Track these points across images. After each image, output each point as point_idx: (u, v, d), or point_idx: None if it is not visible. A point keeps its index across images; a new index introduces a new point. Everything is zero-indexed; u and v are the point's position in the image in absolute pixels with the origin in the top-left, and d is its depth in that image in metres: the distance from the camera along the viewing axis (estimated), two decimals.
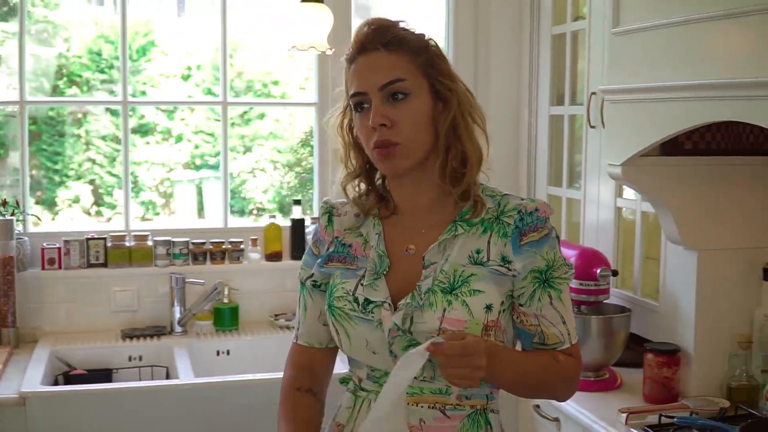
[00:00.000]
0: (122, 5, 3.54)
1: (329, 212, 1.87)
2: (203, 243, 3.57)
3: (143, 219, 5.78)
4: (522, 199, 1.75)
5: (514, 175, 3.82)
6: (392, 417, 1.59)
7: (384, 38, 1.69)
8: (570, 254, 2.89)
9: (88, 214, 5.52)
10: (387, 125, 1.67)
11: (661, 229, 2.76)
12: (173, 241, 3.54)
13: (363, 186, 1.82)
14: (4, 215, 3.34)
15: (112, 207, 5.55)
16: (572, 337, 1.73)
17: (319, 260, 1.84)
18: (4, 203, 3.38)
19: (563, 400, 1.85)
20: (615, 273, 2.90)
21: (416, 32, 1.73)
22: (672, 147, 2.57)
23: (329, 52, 3.27)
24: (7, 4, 3.71)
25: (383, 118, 1.67)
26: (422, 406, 1.69)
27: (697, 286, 2.63)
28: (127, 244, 3.52)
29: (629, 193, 3.01)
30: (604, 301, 2.90)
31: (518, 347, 1.79)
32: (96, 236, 3.49)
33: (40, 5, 4.39)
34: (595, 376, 2.84)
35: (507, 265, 1.69)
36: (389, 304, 1.69)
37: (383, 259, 1.75)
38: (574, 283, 2.83)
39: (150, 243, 3.54)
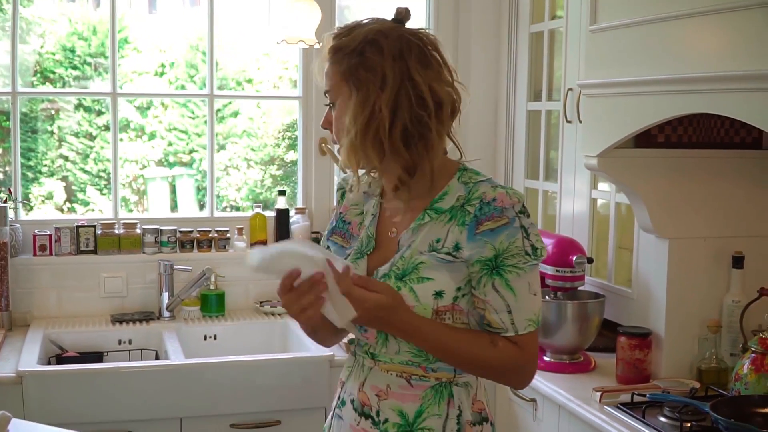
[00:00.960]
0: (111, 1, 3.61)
1: (343, 188, 2.01)
2: (191, 231, 3.66)
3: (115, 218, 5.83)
4: (493, 187, 1.79)
5: (492, 168, 3.93)
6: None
7: (329, 50, 1.81)
8: (547, 242, 2.99)
9: (61, 210, 5.55)
10: (330, 129, 1.86)
11: (634, 219, 2.89)
12: (161, 230, 3.63)
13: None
14: None
15: (85, 204, 5.59)
16: (518, 328, 1.76)
17: (326, 232, 2.01)
18: None
19: (515, 387, 2.00)
20: (590, 260, 3.03)
21: (363, 34, 1.78)
22: (645, 140, 2.69)
23: (317, 46, 3.37)
24: None
25: (326, 123, 1.86)
26: (391, 374, 1.82)
27: (668, 273, 2.75)
28: (116, 231, 3.61)
29: (604, 185, 3.13)
30: (580, 288, 3.02)
31: None
32: (86, 224, 3.58)
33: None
34: (570, 359, 2.97)
35: (455, 253, 1.76)
36: None
37: (370, 241, 1.88)
38: (550, 270, 2.95)
39: (139, 231, 3.62)
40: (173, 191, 5.94)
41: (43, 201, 5.58)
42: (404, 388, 1.82)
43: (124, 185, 5.71)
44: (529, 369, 1.84)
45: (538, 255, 1.77)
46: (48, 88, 5.29)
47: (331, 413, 1.98)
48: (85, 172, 5.58)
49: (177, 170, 5.90)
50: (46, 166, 5.35)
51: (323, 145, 3.78)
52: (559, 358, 2.98)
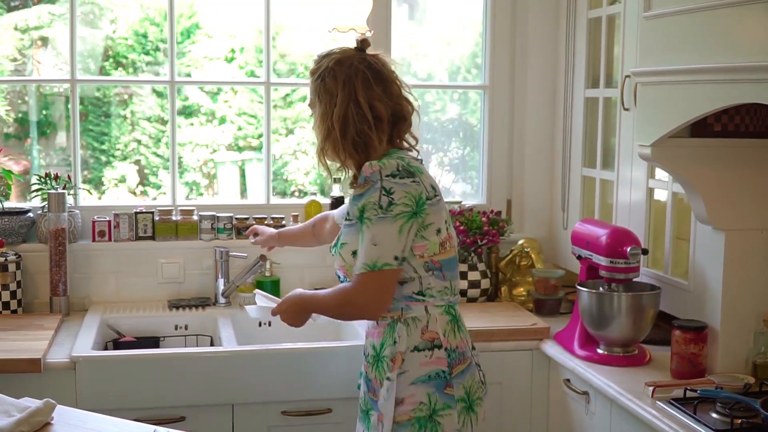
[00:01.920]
0: None
1: None
2: (246, 218, 3.69)
3: (187, 199, 5.90)
4: (368, 163, 2.34)
5: (550, 156, 3.89)
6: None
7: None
8: (601, 233, 2.97)
9: (134, 193, 5.63)
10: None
11: (691, 209, 2.83)
12: (218, 216, 3.67)
13: None
14: (56, 189, 3.49)
15: (157, 187, 5.67)
16: (357, 268, 2.33)
17: None
18: (56, 177, 3.52)
19: (344, 318, 2.86)
20: (645, 251, 2.97)
21: (323, 64, 2.44)
22: (701, 129, 2.64)
23: (369, 34, 3.35)
24: None
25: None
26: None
27: (724, 266, 2.69)
28: (173, 218, 3.65)
29: (661, 174, 3.07)
30: (635, 279, 2.97)
31: None
32: (144, 210, 3.63)
33: None
34: (624, 352, 2.92)
35: (348, 217, 2.39)
36: None
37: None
38: (603, 261, 2.91)
39: (195, 217, 3.66)
40: (243, 175, 5.99)
41: (116, 184, 5.68)
42: (375, 327, 2.45)
43: (194, 169, 5.78)
44: (360, 302, 2.35)
45: (388, 210, 2.27)
46: (120, 73, 5.37)
47: None
48: (157, 155, 5.66)
49: (246, 154, 5.95)
50: (119, 150, 5.43)
51: None
52: (612, 350, 2.93)
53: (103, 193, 5.52)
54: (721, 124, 2.64)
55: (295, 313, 2.56)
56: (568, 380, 3.03)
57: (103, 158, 5.50)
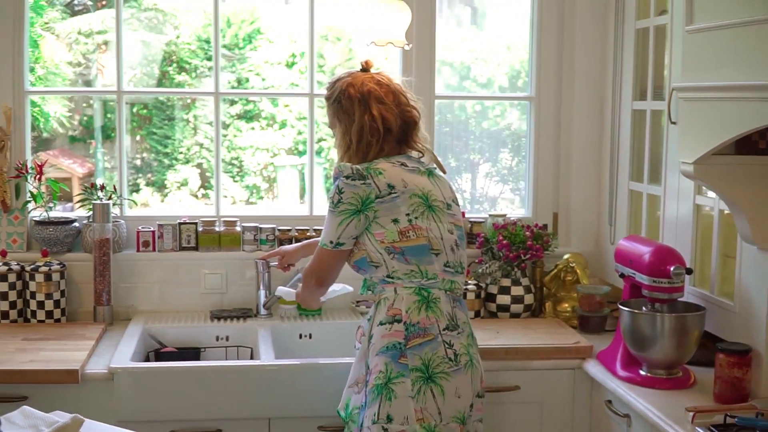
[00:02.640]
0: (215, 4, 3.66)
1: None
2: (289, 230, 3.68)
3: (248, 203, 5.92)
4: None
5: (597, 169, 3.81)
6: None
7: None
8: (645, 251, 2.89)
9: (196, 197, 5.68)
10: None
11: None
12: (260, 228, 3.67)
13: None
14: (101, 199, 3.52)
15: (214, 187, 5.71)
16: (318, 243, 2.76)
17: None
18: (102, 188, 3.56)
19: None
20: (689, 271, 2.88)
21: (338, 87, 2.76)
22: (746, 146, 2.55)
23: (407, 47, 3.32)
24: None
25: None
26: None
27: None
28: (216, 229, 3.66)
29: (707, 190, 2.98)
30: (679, 299, 2.89)
31: None
32: (188, 221, 3.65)
33: None
34: (667, 374, 2.85)
35: None
36: None
37: None
38: (646, 280, 2.84)
39: (238, 229, 3.67)
40: (302, 179, 6.01)
41: (178, 187, 5.74)
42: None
43: (255, 173, 5.82)
44: (305, 280, 2.89)
45: (335, 206, 2.63)
46: (183, 77, 5.42)
47: None
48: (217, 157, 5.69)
49: (306, 159, 5.96)
50: (181, 153, 5.49)
51: None
52: (655, 372, 2.86)
53: (166, 195, 5.58)
54: (766, 141, 2.55)
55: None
56: (610, 402, 2.96)
57: (166, 161, 5.56)
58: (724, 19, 2.33)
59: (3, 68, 3.54)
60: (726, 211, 2.89)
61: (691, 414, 2.48)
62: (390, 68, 3.51)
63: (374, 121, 2.68)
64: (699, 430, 2.41)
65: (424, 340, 2.57)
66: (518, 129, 4.19)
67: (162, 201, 5.49)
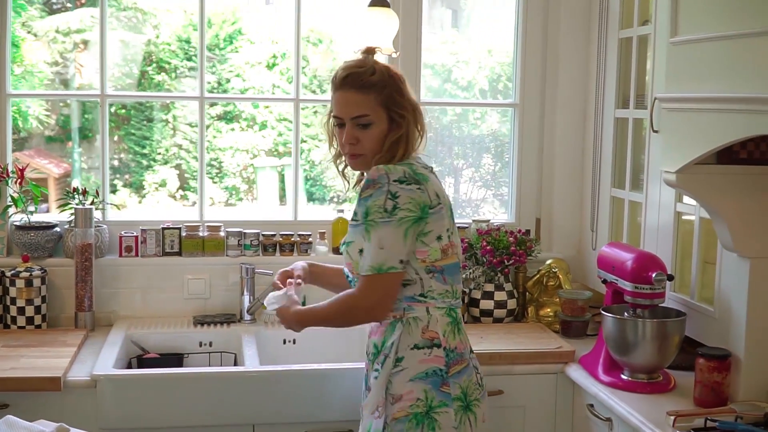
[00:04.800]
0: (200, 4, 3.66)
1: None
2: (273, 235, 3.69)
3: (227, 204, 5.91)
4: (375, 168, 2.43)
5: (580, 176, 3.85)
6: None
7: (356, 83, 2.45)
8: (627, 257, 2.92)
9: (174, 198, 5.66)
10: (354, 143, 2.48)
11: None
12: (244, 233, 3.67)
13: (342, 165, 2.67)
14: (83, 204, 3.51)
15: (196, 191, 5.70)
16: (363, 268, 2.42)
17: None
18: (84, 192, 3.54)
19: (356, 322, 2.58)
20: (670, 278, 2.92)
21: (382, 71, 2.47)
22: (727, 156, 2.59)
23: (395, 55, 3.34)
24: None
25: (352, 139, 2.48)
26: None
27: (749, 293, 2.64)
28: (200, 234, 3.66)
29: (688, 198, 3.02)
30: (660, 305, 2.92)
31: None
32: (171, 226, 3.64)
33: None
34: (648, 378, 2.88)
35: (355, 217, 2.45)
36: None
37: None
38: (629, 286, 2.87)
39: (222, 234, 3.67)
40: (282, 180, 6.01)
41: (156, 188, 5.72)
42: (377, 326, 2.52)
43: (234, 174, 5.80)
44: (366, 304, 2.44)
45: (393, 214, 2.35)
46: (162, 78, 5.39)
47: None
48: (198, 160, 5.68)
49: (286, 160, 5.96)
50: (160, 154, 5.47)
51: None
52: (636, 377, 2.89)
53: (144, 196, 5.55)
54: (747, 151, 2.60)
55: (294, 324, 2.66)
56: (592, 405, 2.99)
57: (145, 162, 5.53)
58: (708, 32, 2.37)
59: None
60: (706, 218, 2.93)
61: (672, 418, 2.52)
62: None
63: (420, 132, 2.53)
64: None
65: (461, 367, 2.47)
66: (499, 133, 4.22)
67: (140, 202, 5.46)
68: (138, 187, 5.51)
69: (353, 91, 2.45)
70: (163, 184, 5.76)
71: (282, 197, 5.96)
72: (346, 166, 2.63)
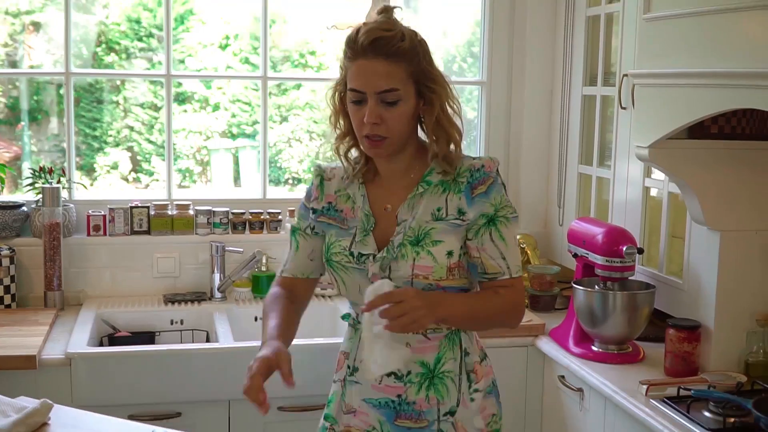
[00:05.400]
0: None
1: (321, 176, 2.24)
2: (242, 213, 3.69)
3: (180, 186, 5.87)
4: (473, 159, 2.11)
5: (546, 153, 3.89)
6: (389, 350, 1.97)
7: (385, 50, 1.99)
8: (597, 232, 2.98)
9: (126, 180, 5.61)
10: (378, 123, 2.01)
11: (686, 208, 2.84)
12: (214, 211, 3.66)
13: (354, 151, 2.17)
14: (50, 183, 3.48)
15: (150, 174, 5.65)
16: (512, 271, 2.09)
17: (313, 215, 2.22)
18: (51, 171, 3.51)
19: (513, 326, 2.19)
20: (640, 251, 2.98)
21: (411, 36, 2.03)
22: (698, 131, 2.64)
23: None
24: None
25: (377, 118, 2.01)
26: (409, 333, 2.04)
27: (719, 266, 2.70)
28: (169, 212, 3.65)
29: (658, 173, 3.08)
30: (630, 278, 2.98)
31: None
32: (140, 205, 3.62)
33: None
34: (618, 350, 2.94)
35: (462, 217, 2.07)
36: (373, 256, 2.09)
37: (369, 218, 2.13)
38: (599, 259, 2.92)
39: (191, 212, 3.66)
40: (236, 162, 5.97)
41: (108, 171, 5.66)
42: (422, 342, 2.10)
43: (187, 156, 5.75)
44: (522, 308, 2.16)
45: (516, 213, 2.10)
46: (113, 58, 5.32)
47: (339, 383, 2.25)
48: (150, 142, 5.63)
49: (240, 142, 5.93)
50: (111, 136, 5.40)
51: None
52: (606, 348, 2.95)
53: (95, 179, 5.50)
54: (718, 126, 2.65)
55: (429, 309, 1.96)
56: (563, 377, 3.04)
57: (96, 144, 5.47)
58: (681, 8, 2.41)
59: None
60: (674, 193, 2.99)
61: (645, 386, 2.57)
62: None
63: (455, 109, 2.12)
64: (653, 402, 2.50)
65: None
66: (464, 112, 4.24)
67: (91, 185, 5.41)
68: (89, 170, 5.45)
69: (381, 60, 1.98)
70: (115, 167, 5.70)
71: (236, 179, 5.93)
72: (350, 148, 2.16)
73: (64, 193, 3.54)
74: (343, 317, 2.28)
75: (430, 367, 2.11)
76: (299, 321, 2.26)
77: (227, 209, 3.68)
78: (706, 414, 2.37)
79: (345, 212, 2.17)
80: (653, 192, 3.15)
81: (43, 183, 3.49)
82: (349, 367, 2.21)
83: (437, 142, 2.07)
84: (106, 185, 5.51)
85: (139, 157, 5.63)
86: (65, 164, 3.64)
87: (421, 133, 2.15)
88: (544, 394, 3.23)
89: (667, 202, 3.03)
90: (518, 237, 3.71)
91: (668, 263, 3.05)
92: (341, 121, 2.14)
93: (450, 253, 2.05)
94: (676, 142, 2.63)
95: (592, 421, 2.84)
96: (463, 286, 2.11)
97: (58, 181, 3.51)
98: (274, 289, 2.28)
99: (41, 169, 3.53)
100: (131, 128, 5.57)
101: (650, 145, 2.61)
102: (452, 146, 2.09)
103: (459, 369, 2.12)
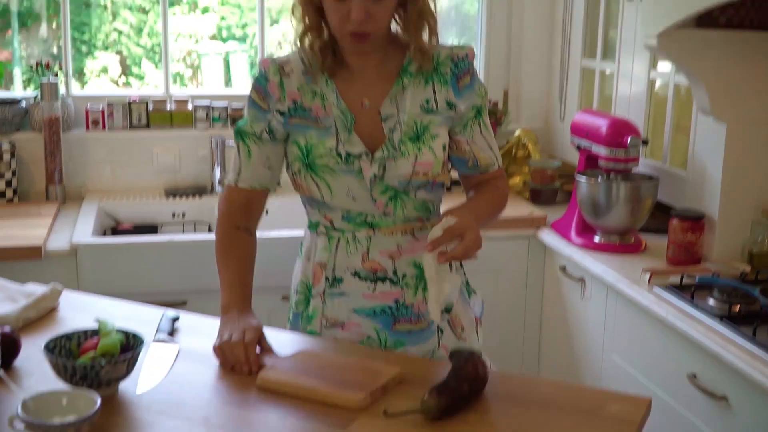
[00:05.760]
0: None
1: (280, 71, 1.98)
2: (241, 108, 3.66)
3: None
4: (451, 48, 1.98)
5: (549, 47, 3.86)
6: (443, 282, 1.83)
7: None
8: (601, 123, 2.97)
9: (117, 84, 5.57)
10: (366, 20, 1.83)
11: (692, 101, 2.83)
12: (212, 106, 3.63)
13: (318, 42, 1.95)
14: (48, 77, 3.44)
15: (140, 78, 5.60)
16: (499, 161, 2.07)
17: (281, 117, 1.98)
18: (48, 66, 3.46)
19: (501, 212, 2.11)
20: (645, 142, 2.98)
21: None
22: (707, 21, 2.62)
23: None
24: None
25: (365, 14, 1.83)
26: (396, 235, 1.99)
27: (725, 157, 2.71)
28: (168, 108, 3.62)
29: (663, 66, 3.06)
30: (633, 170, 2.99)
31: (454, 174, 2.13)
32: (138, 100, 3.59)
33: None
34: (620, 240, 2.96)
35: (453, 109, 1.96)
36: (366, 155, 1.93)
37: (347, 115, 1.95)
38: (603, 151, 2.93)
39: (190, 107, 3.63)
40: (227, 66, 5.92)
41: (98, 75, 5.61)
42: (411, 242, 2.00)
43: (177, 60, 5.69)
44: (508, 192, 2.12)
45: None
46: None
47: (319, 297, 2.08)
48: (140, 46, 5.57)
49: (231, 45, 5.87)
50: (100, 40, 5.34)
51: None
52: (609, 238, 2.97)
53: (85, 83, 5.45)
54: (727, 16, 2.63)
55: (477, 226, 1.85)
56: (564, 267, 3.07)
57: (84, 49, 5.41)
58: None
59: None
60: (681, 86, 2.98)
61: (648, 274, 2.60)
62: None
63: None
64: (657, 289, 2.53)
65: None
66: (462, 8, 4.18)
67: (81, 88, 5.36)
68: (79, 73, 5.40)
69: None
70: (104, 71, 5.65)
71: (227, 82, 5.88)
72: (318, 42, 1.95)
73: (62, 89, 3.50)
74: (310, 227, 2.11)
75: (422, 267, 1.93)
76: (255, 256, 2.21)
77: (226, 104, 3.65)
78: (711, 302, 2.38)
79: (315, 110, 1.96)
80: (658, 85, 3.13)
81: (41, 77, 3.44)
82: (327, 279, 2.05)
83: (416, 33, 1.93)
84: (97, 89, 5.47)
85: (128, 62, 5.58)
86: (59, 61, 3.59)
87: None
88: (545, 284, 3.26)
89: (672, 94, 3.02)
90: (518, 131, 3.73)
91: (672, 156, 3.06)
92: (310, 13, 1.94)
93: (444, 147, 1.96)
94: (685, 32, 2.61)
95: (593, 310, 2.88)
96: (445, 181, 2.02)
97: (56, 75, 3.46)
98: (225, 215, 2.14)
99: (38, 64, 3.48)
100: (120, 32, 5.50)
101: (659, 34, 2.59)
102: (429, 36, 1.95)
103: (450, 264, 1.99)
